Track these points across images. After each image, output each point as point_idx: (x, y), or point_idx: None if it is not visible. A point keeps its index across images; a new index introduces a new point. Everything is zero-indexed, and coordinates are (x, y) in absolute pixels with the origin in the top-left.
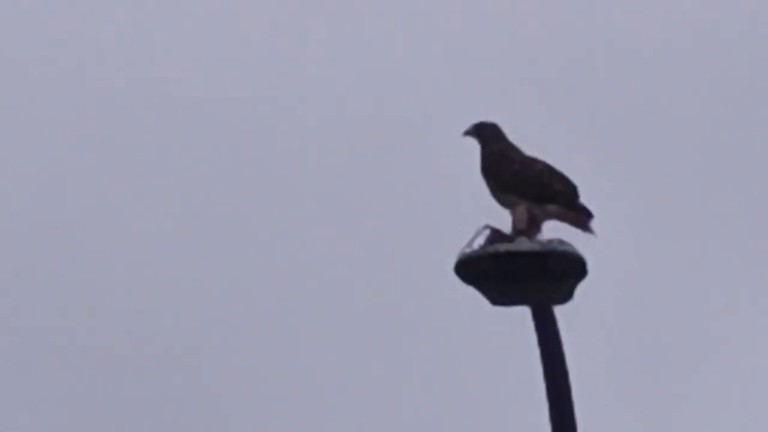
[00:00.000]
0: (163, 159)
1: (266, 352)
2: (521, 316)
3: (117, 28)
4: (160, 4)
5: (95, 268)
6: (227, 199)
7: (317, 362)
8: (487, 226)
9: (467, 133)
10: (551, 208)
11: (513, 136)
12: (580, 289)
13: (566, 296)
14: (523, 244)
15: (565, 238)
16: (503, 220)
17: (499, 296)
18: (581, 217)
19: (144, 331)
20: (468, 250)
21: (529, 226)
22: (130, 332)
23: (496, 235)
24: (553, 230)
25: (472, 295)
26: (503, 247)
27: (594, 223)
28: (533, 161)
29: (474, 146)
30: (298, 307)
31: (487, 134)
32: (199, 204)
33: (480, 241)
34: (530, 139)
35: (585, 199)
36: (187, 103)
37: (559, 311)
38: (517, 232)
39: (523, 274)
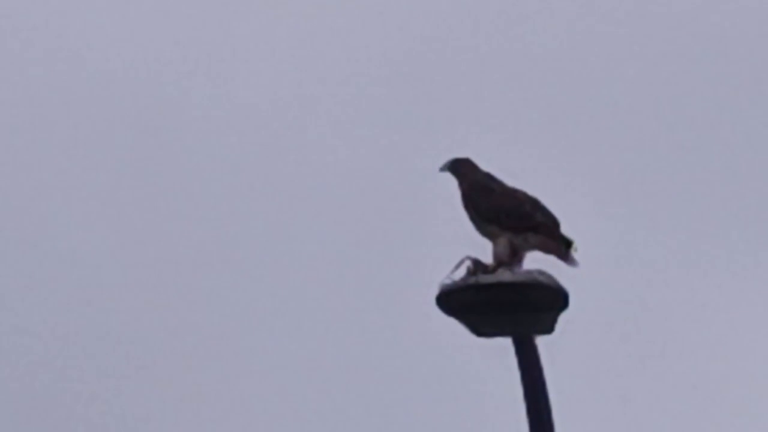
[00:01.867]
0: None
1: (249, 383)
2: (503, 347)
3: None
4: None
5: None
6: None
7: (298, 395)
8: (468, 258)
9: (442, 169)
10: (532, 238)
11: (488, 161)
12: (562, 320)
13: (548, 327)
14: (504, 276)
15: (547, 269)
16: (484, 251)
17: (480, 327)
18: (563, 248)
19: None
20: (449, 282)
21: (510, 258)
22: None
23: (477, 267)
24: (535, 262)
25: (453, 326)
26: (484, 278)
27: (576, 254)
28: (514, 191)
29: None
30: (278, 339)
31: (462, 170)
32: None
33: (461, 272)
34: (508, 164)
35: (566, 229)
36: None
37: (541, 342)
38: (499, 263)
39: (505, 305)
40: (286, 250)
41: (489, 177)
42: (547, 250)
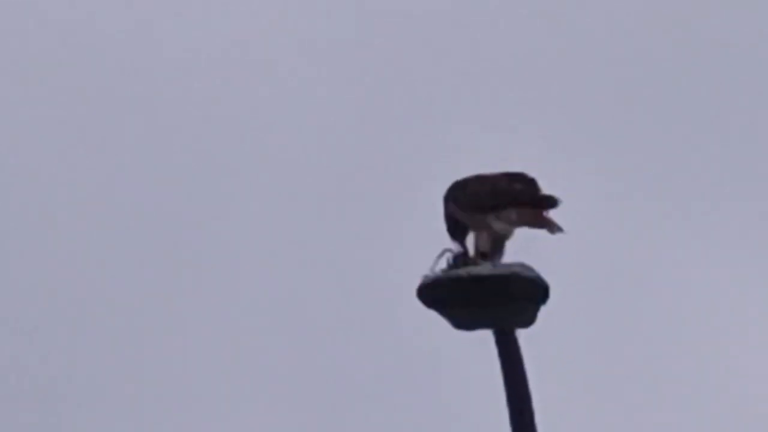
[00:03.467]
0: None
1: (226, 374)
2: (484, 340)
3: None
4: None
5: None
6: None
7: (278, 385)
8: (449, 250)
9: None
10: (514, 214)
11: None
12: (543, 313)
13: (529, 320)
14: (485, 269)
15: (528, 262)
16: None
17: (461, 320)
18: (544, 215)
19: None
20: (430, 274)
21: (492, 250)
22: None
23: (458, 259)
24: (516, 255)
25: (434, 319)
26: (465, 271)
27: (561, 216)
28: (486, 175)
29: (436, 174)
30: (257, 327)
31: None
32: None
33: (442, 265)
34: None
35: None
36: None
37: (522, 335)
38: (480, 255)
39: (486, 298)
40: (263, 241)
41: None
42: (532, 222)
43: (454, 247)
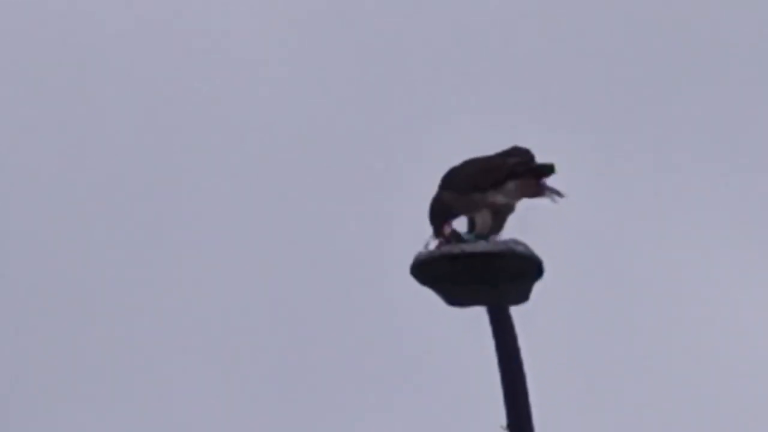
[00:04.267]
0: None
1: (215, 359)
2: (477, 317)
3: None
4: None
5: None
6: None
7: (273, 364)
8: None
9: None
10: (512, 185)
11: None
12: (537, 289)
13: (522, 297)
14: (478, 245)
15: (522, 238)
16: (459, 221)
17: (454, 297)
18: (542, 183)
19: None
20: (424, 252)
21: (493, 228)
22: None
23: (452, 236)
24: (510, 231)
25: (428, 296)
26: (459, 247)
27: (557, 181)
28: (476, 158)
29: (432, 163)
30: (253, 306)
31: (445, 213)
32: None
33: (435, 242)
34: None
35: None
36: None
37: (516, 312)
38: (480, 234)
39: (479, 275)
40: (260, 226)
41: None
42: (531, 192)
43: (431, 233)
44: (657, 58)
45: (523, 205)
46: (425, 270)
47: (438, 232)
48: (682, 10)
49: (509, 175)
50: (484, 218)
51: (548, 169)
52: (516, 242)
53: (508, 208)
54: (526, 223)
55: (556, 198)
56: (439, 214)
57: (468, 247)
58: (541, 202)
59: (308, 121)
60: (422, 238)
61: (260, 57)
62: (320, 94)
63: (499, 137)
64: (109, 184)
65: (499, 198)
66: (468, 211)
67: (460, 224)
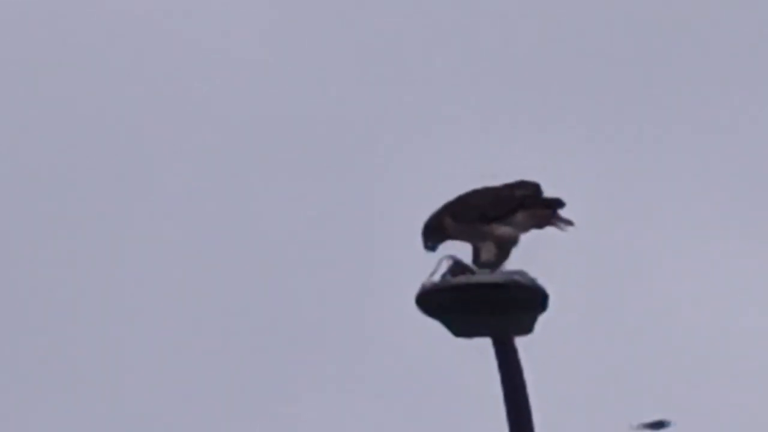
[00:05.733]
0: None
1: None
2: (483, 347)
3: None
4: None
5: None
6: None
7: (277, 393)
8: (448, 257)
9: (428, 249)
10: (521, 216)
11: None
12: (541, 320)
13: (527, 328)
14: (484, 276)
15: (526, 269)
16: (465, 251)
17: (460, 328)
18: (553, 213)
19: None
20: (429, 282)
21: (497, 259)
22: None
23: (458, 267)
24: (516, 262)
25: (434, 327)
26: (465, 278)
27: (567, 212)
28: (486, 187)
29: (435, 184)
30: (257, 337)
31: (439, 237)
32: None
33: (442, 272)
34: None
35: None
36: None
37: (521, 343)
38: (484, 264)
39: (484, 305)
40: (266, 251)
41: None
42: (539, 223)
43: (426, 247)
44: (653, 66)
45: (528, 236)
46: (430, 301)
47: (468, 219)
48: (676, 18)
49: (518, 206)
50: (489, 249)
51: (557, 203)
52: (521, 273)
53: (513, 240)
54: (532, 255)
55: (566, 227)
56: (433, 235)
57: (473, 278)
58: (549, 231)
59: (307, 121)
60: (428, 269)
61: (257, 56)
62: (318, 94)
63: (497, 138)
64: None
65: (505, 230)
66: (472, 240)
67: (466, 255)
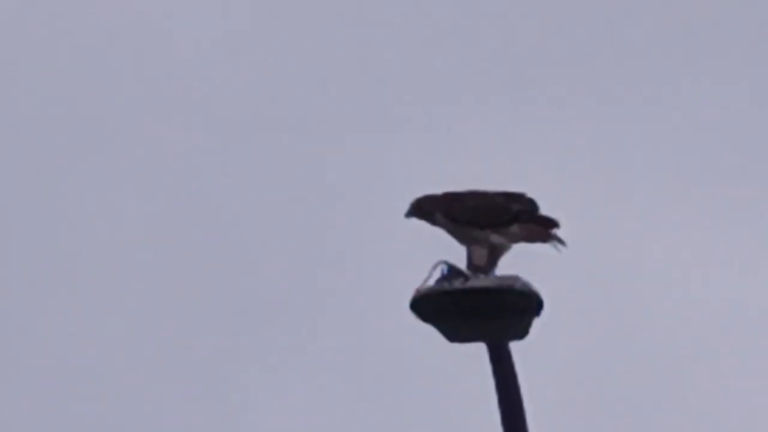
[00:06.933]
0: None
1: (215, 385)
2: (477, 352)
3: None
4: None
5: None
6: None
7: (275, 399)
8: (442, 262)
9: (408, 215)
10: (516, 229)
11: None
12: (536, 325)
13: (522, 332)
14: (478, 281)
15: (521, 273)
16: (459, 256)
17: (455, 333)
18: (547, 230)
19: None
20: (424, 287)
21: (487, 264)
22: None
23: (452, 272)
24: (510, 267)
25: (428, 331)
26: (459, 283)
27: (562, 232)
28: (484, 192)
29: (435, 184)
30: (248, 345)
31: (425, 208)
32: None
33: (436, 277)
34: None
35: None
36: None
37: (515, 348)
38: (475, 268)
39: (479, 310)
40: (259, 260)
41: (452, 193)
42: (533, 238)
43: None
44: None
45: (520, 246)
46: (425, 306)
47: (460, 221)
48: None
49: (513, 219)
50: (480, 253)
51: (552, 223)
52: (516, 278)
53: (504, 248)
54: (525, 260)
55: (559, 247)
56: (419, 215)
57: (468, 283)
58: (536, 247)
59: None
60: (422, 274)
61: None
62: (316, 93)
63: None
64: None
65: (499, 239)
66: (463, 242)
67: (460, 260)
